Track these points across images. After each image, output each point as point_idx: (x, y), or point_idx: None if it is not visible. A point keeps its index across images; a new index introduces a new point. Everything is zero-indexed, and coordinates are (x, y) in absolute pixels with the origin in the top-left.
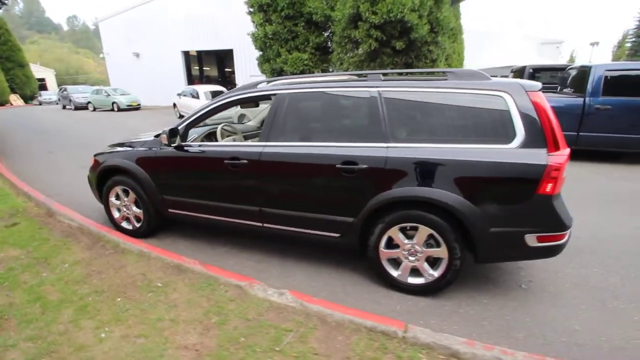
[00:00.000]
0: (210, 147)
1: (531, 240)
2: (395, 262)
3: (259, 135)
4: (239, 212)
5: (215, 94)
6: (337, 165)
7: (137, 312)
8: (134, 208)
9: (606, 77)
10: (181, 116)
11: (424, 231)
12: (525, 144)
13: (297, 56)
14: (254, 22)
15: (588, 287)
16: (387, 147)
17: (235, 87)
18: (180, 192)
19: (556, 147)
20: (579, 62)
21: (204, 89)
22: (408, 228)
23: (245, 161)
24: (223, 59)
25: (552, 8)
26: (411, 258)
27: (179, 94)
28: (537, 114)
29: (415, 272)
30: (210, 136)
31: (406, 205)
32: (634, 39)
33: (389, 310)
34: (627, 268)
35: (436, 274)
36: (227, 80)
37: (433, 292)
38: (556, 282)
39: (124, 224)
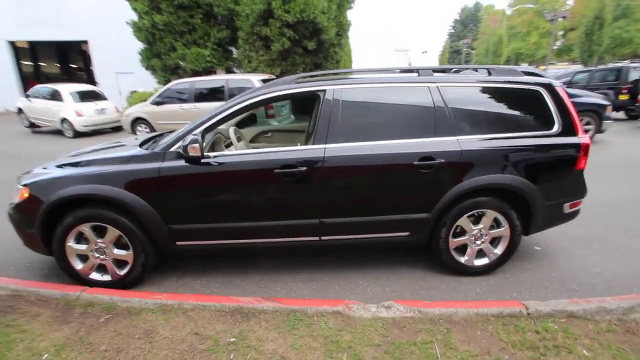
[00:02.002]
0: (251, 156)
1: (566, 208)
2: (459, 249)
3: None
4: (291, 228)
5: (85, 95)
6: (415, 162)
7: None
8: (115, 250)
9: None
10: (32, 124)
11: (491, 215)
12: (562, 130)
13: (197, 52)
14: (135, 9)
15: (574, 238)
16: (458, 140)
17: (95, 85)
18: (201, 217)
19: (580, 131)
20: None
21: (68, 88)
22: (476, 215)
23: (304, 168)
24: (68, 52)
25: (397, 20)
26: (477, 242)
27: (27, 96)
28: (565, 105)
29: (478, 254)
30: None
31: (475, 193)
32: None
33: (473, 294)
34: (590, 218)
35: (499, 252)
36: (74, 78)
37: (493, 270)
38: (552, 239)
39: (95, 275)
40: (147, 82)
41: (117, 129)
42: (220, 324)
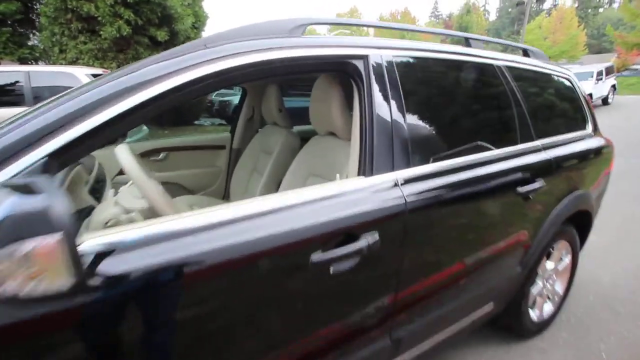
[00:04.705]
0: (231, 230)
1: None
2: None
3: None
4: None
5: None
6: (518, 190)
7: None
8: None
9: None
10: None
11: (561, 248)
12: (593, 129)
13: None
14: None
15: None
16: (542, 146)
17: None
18: None
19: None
20: None
21: None
22: (551, 250)
23: (374, 238)
24: None
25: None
26: (547, 287)
27: None
28: (588, 100)
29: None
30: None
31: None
32: None
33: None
34: None
35: (561, 291)
36: None
37: (556, 316)
38: None
39: None
40: None
41: None
42: None
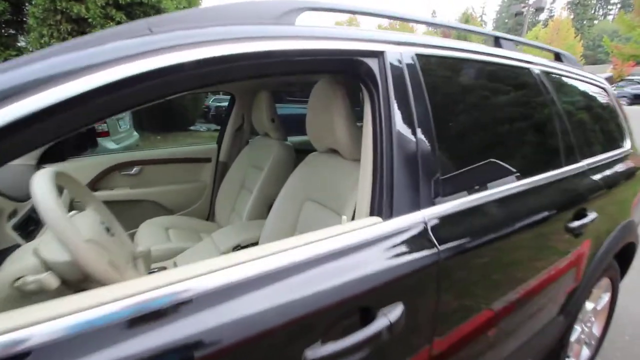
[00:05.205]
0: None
1: None
2: None
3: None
4: None
5: None
6: (570, 225)
7: None
8: None
9: None
10: None
11: (602, 284)
12: (632, 145)
13: None
14: None
15: None
16: (588, 167)
17: None
18: None
19: None
20: None
21: None
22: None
23: (398, 310)
24: None
25: None
26: (585, 330)
27: None
28: (624, 112)
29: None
30: None
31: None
32: None
33: None
34: None
35: (597, 333)
36: None
37: None
38: None
39: None
40: None
41: None
42: None
